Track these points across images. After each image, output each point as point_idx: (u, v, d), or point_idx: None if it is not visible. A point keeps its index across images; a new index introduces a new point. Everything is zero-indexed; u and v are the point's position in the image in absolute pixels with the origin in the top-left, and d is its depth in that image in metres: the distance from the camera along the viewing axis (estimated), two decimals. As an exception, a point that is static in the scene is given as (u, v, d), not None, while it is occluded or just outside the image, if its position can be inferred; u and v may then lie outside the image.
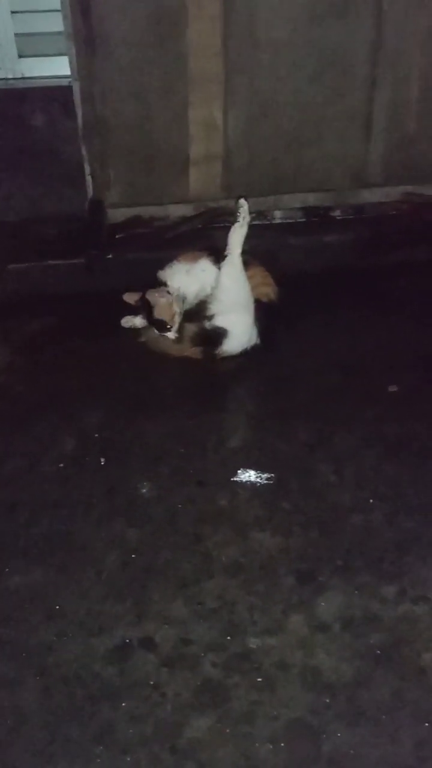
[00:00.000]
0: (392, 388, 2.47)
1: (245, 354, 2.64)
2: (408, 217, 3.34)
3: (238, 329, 2.61)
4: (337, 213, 3.41)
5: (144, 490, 2.07)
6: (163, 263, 2.89)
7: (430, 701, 1.50)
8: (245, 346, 2.64)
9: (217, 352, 2.64)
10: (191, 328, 2.64)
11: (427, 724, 1.46)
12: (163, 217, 3.33)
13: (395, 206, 3.40)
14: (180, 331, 2.61)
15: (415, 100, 3.29)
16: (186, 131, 3.22)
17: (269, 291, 2.76)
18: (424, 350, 2.66)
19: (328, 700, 1.51)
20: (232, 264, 2.63)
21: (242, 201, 2.63)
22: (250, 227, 3.18)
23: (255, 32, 3.09)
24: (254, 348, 2.66)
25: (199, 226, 3.27)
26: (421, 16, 3.15)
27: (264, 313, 2.68)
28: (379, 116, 3.31)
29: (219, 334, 2.61)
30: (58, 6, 2.94)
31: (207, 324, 2.62)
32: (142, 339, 2.75)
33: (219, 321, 2.61)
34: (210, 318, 2.62)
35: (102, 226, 3.21)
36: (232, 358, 2.63)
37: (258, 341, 2.66)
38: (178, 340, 2.61)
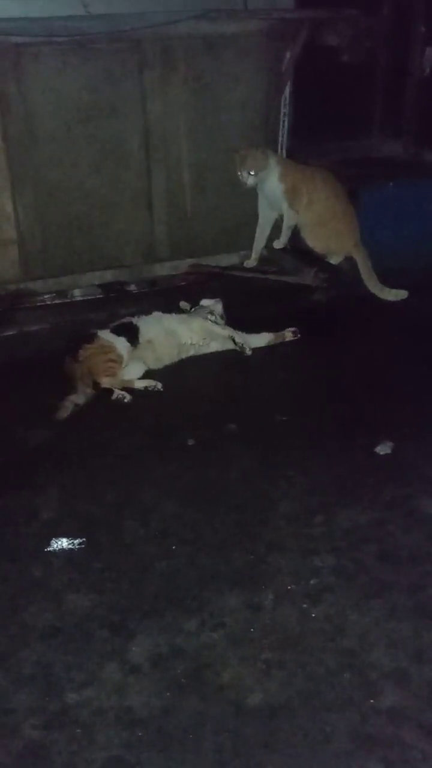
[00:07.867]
0: (190, 442, 2.77)
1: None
2: (195, 285, 3.74)
3: None
4: (132, 287, 3.73)
5: None
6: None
7: (228, 713, 1.73)
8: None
9: None
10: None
11: (226, 733, 1.69)
12: (-36, 302, 3.45)
13: (183, 277, 3.80)
14: None
15: (188, 184, 3.74)
16: (-22, 221, 3.41)
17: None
18: (213, 408, 3.01)
19: (140, 734, 1.68)
20: None
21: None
22: (52, 306, 3.39)
23: (32, 130, 3.38)
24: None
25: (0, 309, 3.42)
26: (181, 114, 3.63)
27: None
28: (158, 199, 3.72)
29: None
30: None
31: None
32: None
33: None
34: None
35: None
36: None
37: None
38: None
